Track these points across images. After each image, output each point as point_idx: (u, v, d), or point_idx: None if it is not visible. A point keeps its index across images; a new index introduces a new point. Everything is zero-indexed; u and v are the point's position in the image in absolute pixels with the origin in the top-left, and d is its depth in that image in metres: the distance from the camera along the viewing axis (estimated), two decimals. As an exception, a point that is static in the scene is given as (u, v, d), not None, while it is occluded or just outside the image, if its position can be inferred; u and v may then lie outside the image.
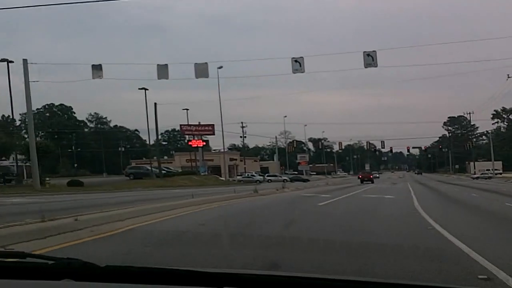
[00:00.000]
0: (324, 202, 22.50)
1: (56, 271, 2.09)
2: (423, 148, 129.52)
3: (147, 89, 59.60)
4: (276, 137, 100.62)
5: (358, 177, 71.08)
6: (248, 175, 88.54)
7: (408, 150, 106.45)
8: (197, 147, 74.71)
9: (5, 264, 2.21)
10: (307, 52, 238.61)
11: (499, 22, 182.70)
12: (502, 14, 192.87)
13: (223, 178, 78.97)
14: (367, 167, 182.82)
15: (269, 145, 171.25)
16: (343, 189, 41.74)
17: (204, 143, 73.71)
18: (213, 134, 73.02)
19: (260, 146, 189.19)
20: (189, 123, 74.70)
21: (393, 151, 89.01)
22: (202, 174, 72.16)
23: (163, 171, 64.15)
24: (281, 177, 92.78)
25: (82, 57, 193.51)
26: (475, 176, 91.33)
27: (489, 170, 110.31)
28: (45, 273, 2.09)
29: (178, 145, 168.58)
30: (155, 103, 61.01)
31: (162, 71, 35.33)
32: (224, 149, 70.59)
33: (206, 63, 35.30)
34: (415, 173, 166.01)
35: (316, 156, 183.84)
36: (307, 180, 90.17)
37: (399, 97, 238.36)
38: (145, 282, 1.99)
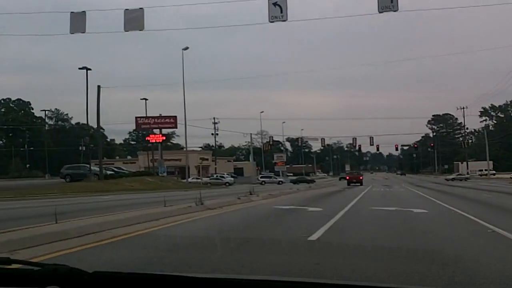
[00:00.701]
0: (321, 231, 10.86)
1: (42, 277, 1.97)
2: (405, 148, 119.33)
3: (90, 69, 47.46)
4: (251, 135, 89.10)
5: (346, 179, 59.79)
6: (217, 176, 76.67)
7: (397, 148, 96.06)
8: (156, 142, 62.53)
9: None
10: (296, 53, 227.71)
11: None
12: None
13: (188, 180, 66.90)
14: (347, 167, 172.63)
15: (245, 145, 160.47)
16: (332, 196, 30.44)
17: (164, 138, 61.55)
18: (175, 127, 61.18)
19: (236, 146, 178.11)
20: (147, 116, 62.60)
21: (376, 150, 77.90)
22: (161, 175, 60.15)
23: (111, 172, 52.12)
24: (276, 178, 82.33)
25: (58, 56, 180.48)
26: (450, 177, 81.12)
27: (482, 170, 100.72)
28: (30, 280, 1.98)
29: (148, 145, 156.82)
30: (99, 86, 49.06)
31: (77, 20, 23.05)
32: (186, 145, 58.08)
33: (141, 8, 23.17)
34: (398, 174, 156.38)
35: (293, 157, 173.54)
36: (313, 181, 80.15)
37: (382, 98, 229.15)
38: None
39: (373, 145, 71.20)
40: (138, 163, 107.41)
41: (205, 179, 75.19)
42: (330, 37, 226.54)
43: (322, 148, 66.19)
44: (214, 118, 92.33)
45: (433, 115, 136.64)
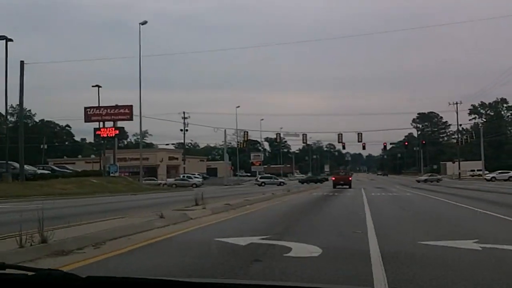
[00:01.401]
0: None
1: (36, 282, 1.91)
2: (393, 146, 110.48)
3: (10, 39, 36.81)
4: (225, 131, 78.77)
5: (332, 179, 49.83)
6: (184, 176, 66.47)
7: (385, 147, 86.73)
8: (108, 137, 51.93)
9: None
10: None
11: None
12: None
13: (143, 181, 56.47)
14: (326, 168, 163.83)
15: (222, 145, 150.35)
16: (323, 206, 20.62)
17: (117, 132, 50.91)
18: (130, 119, 50.44)
19: (212, 145, 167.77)
20: (99, 105, 51.91)
21: (363, 148, 68.67)
22: (113, 175, 49.71)
23: (43, 171, 41.63)
24: (277, 179, 72.02)
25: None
26: (423, 178, 72.20)
27: (473, 170, 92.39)
28: (24, 285, 1.91)
29: (120, 145, 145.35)
30: (22, 61, 38.55)
31: None
32: (141, 140, 47.53)
33: None
34: (378, 175, 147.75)
35: (272, 157, 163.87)
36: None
37: (365, 98, 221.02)
38: None
39: (361, 141, 61.68)
40: (102, 162, 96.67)
41: (170, 180, 64.93)
42: (313, 37, 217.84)
43: (303, 144, 56.91)
44: (184, 113, 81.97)
45: (418, 113, 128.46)
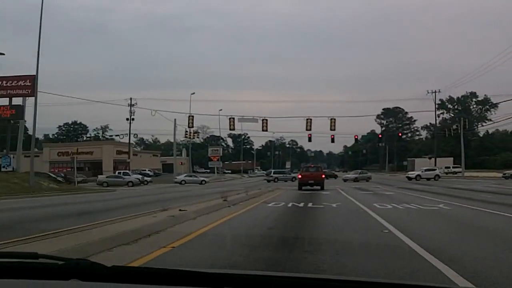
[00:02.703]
0: None
1: (65, 271, 1.95)
2: (360, 141, 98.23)
3: None
4: (175, 120, 64.39)
5: (298, 178, 35.79)
6: (118, 173, 51.91)
7: (357, 140, 74.22)
8: (2, 118, 36.75)
9: (17, 265, 2.05)
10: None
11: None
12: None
13: (63, 179, 41.44)
14: (288, 165, 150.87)
15: (183, 140, 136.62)
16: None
17: (13, 112, 35.75)
18: (32, 94, 35.30)
19: (171, 141, 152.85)
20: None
21: (331, 142, 55.52)
22: (5, 169, 34.72)
23: None
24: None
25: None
26: (352, 177, 55.84)
27: (448, 167, 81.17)
28: (54, 273, 1.95)
29: (79, 139, 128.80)
30: None
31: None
32: (35, 126, 32.10)
33: None
34: (337, 171, 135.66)
35: (235, 154, 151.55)
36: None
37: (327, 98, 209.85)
38: (151, 283, 1.85)
39: (334, 129, 48.42)
40: (42, 157, 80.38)
41: (101, 177, 50.09)
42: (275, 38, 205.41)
43: (263, 130, 43.39)
44: (130, 99, 67.14)
45: (383, 109, 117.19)
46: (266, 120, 46.94)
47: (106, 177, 48.85)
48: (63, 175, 51.50)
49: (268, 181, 56.10)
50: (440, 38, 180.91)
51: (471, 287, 4.91)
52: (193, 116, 51.10)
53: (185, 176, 57.35)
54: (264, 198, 22.40)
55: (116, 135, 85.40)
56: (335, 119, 46.94)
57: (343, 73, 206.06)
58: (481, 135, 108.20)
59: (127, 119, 68.43)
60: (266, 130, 47.40)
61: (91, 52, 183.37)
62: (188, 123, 52.31)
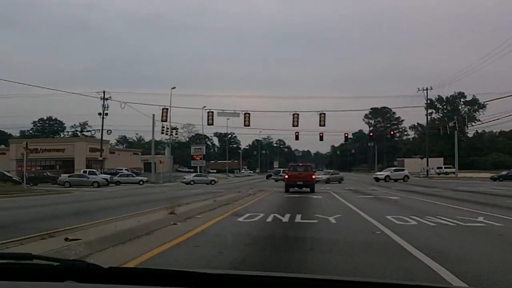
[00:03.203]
0: None
1: (60, 272, 1.89)
2: (352, 138, 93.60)
3: None
4: (153, 116, 58.84)
5: (285, 178, 30.34)
6: (83, 172, 46.46)
7: (346, 138, 69.46)
8: None
9: (11, 266, 1.99)
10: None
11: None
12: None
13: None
14: (275, 164, 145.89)
15: (168, 139, 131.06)
16: None
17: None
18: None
19: (157, 139, 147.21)
20: None
21: (320, 140, 50.87)
22: None
23: None
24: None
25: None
26: (324, 177, 50.20)
27: (440, 168, 76.97)
28: (49, 275, 1.89)
29: (55, 136, 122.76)
30: None
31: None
32: None
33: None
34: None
35: (222, 153, 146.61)
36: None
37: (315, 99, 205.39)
38: (148, 284, 1.81)
39: (324, 125, 43.60)
40: (9, 154, 74.52)
41: (64, 176, 44.63)
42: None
43: (247, 124, 37.59)
44: (104, 92, 61.44)
45: (371, 108, 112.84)
46: (249, 114, 41.98)
47: (69, 176, 43.37)
48: (27, 174, 46.12)
49: (276, 180, 52.45)
50: (430, 39, 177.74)
51: (465, 287, 4.78)
52: (167, 109, 45.81)
53: (194, 176, 53.22)
54: (238, 207, 17.10)
55: (93, 130, 79.56)
56: (324, 114, 42.14)
57: (335, 72, 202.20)
58: (469, 136, 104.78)
59: (100, 113, 62.86)
60: (249, 125, 42.40)
61: (75, 49, 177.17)
62: (162, 117, 47.01)
